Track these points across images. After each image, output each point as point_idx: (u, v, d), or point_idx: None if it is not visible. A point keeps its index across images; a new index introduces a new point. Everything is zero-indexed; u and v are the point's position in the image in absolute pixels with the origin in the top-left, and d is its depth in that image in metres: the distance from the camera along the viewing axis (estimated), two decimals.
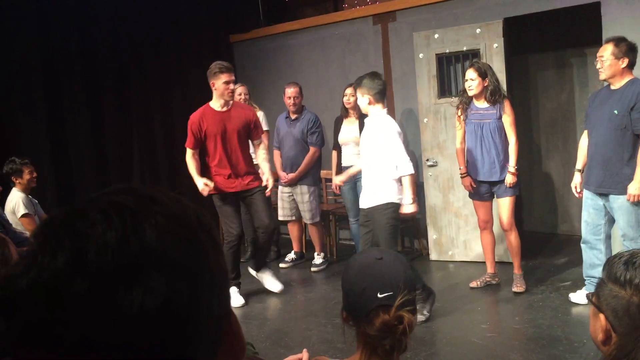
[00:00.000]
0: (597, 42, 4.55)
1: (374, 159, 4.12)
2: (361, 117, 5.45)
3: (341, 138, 5.58)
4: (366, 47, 6.30)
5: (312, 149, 5.70)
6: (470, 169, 4.78)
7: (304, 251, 6.20)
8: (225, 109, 4.68)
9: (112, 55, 6.29)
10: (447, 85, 5.57)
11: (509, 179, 4.62)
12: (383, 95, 4.16)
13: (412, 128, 6.05)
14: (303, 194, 5.76)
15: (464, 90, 4.70)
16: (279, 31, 6.86)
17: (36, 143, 5.78)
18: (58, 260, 0.52)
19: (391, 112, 6.23)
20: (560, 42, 6.00)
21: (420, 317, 3.99)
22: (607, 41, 4.08)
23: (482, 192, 4.79)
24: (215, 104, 4.69)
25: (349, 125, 5.55)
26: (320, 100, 6.48)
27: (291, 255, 6.10)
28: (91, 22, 6.10)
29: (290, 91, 5.67)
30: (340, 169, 5.64)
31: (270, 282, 5.03)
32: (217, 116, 4.66)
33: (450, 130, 5.55)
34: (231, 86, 4.60)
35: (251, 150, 4.97)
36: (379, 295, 1.43)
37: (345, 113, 5.61)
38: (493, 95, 4.59)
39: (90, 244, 0.52)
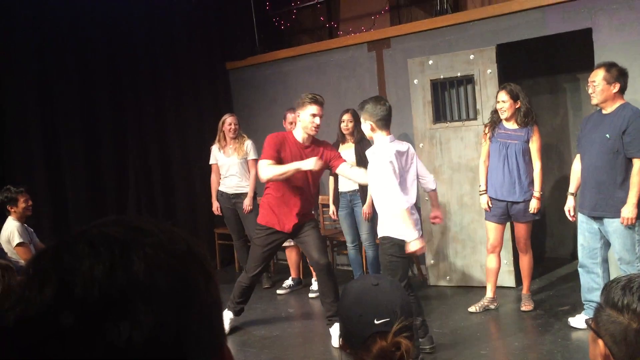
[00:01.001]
0: (589, 67, 4.59)
1: (374, 190, 3.96)
2: (357, 142, 5.48)
3: None
4: (361, 74, 6.36)
5: None
6: (488, 188, 4.82)
7: (301, 277, 6.16)
8: (307, 144, 4.34)
9: (107, 81, 6.32)
10: (442, 110, 5.61)
11: (534, 204, 4.67)
12: (386, 122, 3.84)
13: None
14: None
15: (495, 111, 4.77)
16: (275, 58, 6.92)
17: (32, 171, 5.76)
18: (45, 294, 0.52)
19: None
20: (553, 68, 6.07)
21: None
22: (599, 66, 4.13)
23: (499, 213, 4.80)
24: (298, 134, 4.34)
25: (345, 150, 5.56)
26: None
27: (289, 282, 6.07)
28: (87, 50, 6.14)
29: (292, 116, 5.68)
30: (337, 195, 5.64)
31: (335, 339, 4.33)
32: (298, 147, 4.31)
33: (446, 155, 5.58)
34: (317, 120, 4.23)
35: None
36: (375, 322, 1.43)
37: (342, 138, 5.63)
38: (526, 116, 4.66)
39: (77, 277, 0.52)
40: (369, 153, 3.94)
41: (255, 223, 4.59)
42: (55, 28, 5.88)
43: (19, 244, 4.66)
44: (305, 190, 4.39)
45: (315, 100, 4.25)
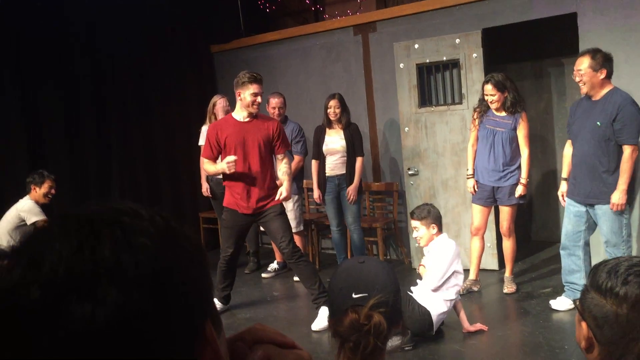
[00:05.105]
0: (574, 52, 4.62)
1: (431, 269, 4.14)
2: (346, 127, 5.45)
3: (327, 148, 5.54)
4: (347, 57, 6.34)
5: (296, 158, 5.70)
6: (475, 172, 4.90)
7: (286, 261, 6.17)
8: (248, 119, 4.44)
9: (89, 66, 6.20)
10: (427, 94, 5.62)
11: (520, 190, 4.73)
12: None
13: (394, 137, 6.08)
14: (287, 202, 5.73)
15: (483, 99, 4.79)
16: (260, 41, 6.87)
17: (13, 158, 5.65)
18: (14, 274, 0.53)
19: (372, 121, 6.27)
20: (538, 52, 6.09)
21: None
22: (583, 54, 4.09)
23: (485, 196, 4.86)
24: (238, 114, 4.46)
25: (334, 136, 5.52)
26: (301, 110, 6.49)
27: (274, 265, 6.08)
28: (68, 33, 6.02)
29: (275, 101, 5.66)
30: (324, 179, 5.61)
31: (319, 320, 4.42)
32: (238, 126, 4.42)
33: (431, 139, 5.60)
34: (259, 98, 4.35)
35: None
36: (353, 296, 1.48)
37: (329, 124, 5.58)
38: (513, 105, 4.68)
39: (46, 256, 0.53)
40: (432, 248, 4.21)
41: (279, 218, 4.61)
42: (34, 11, 5.75)
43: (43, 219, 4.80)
44: (252, 173, 4.47)
45: (255, 79, 4.36)
